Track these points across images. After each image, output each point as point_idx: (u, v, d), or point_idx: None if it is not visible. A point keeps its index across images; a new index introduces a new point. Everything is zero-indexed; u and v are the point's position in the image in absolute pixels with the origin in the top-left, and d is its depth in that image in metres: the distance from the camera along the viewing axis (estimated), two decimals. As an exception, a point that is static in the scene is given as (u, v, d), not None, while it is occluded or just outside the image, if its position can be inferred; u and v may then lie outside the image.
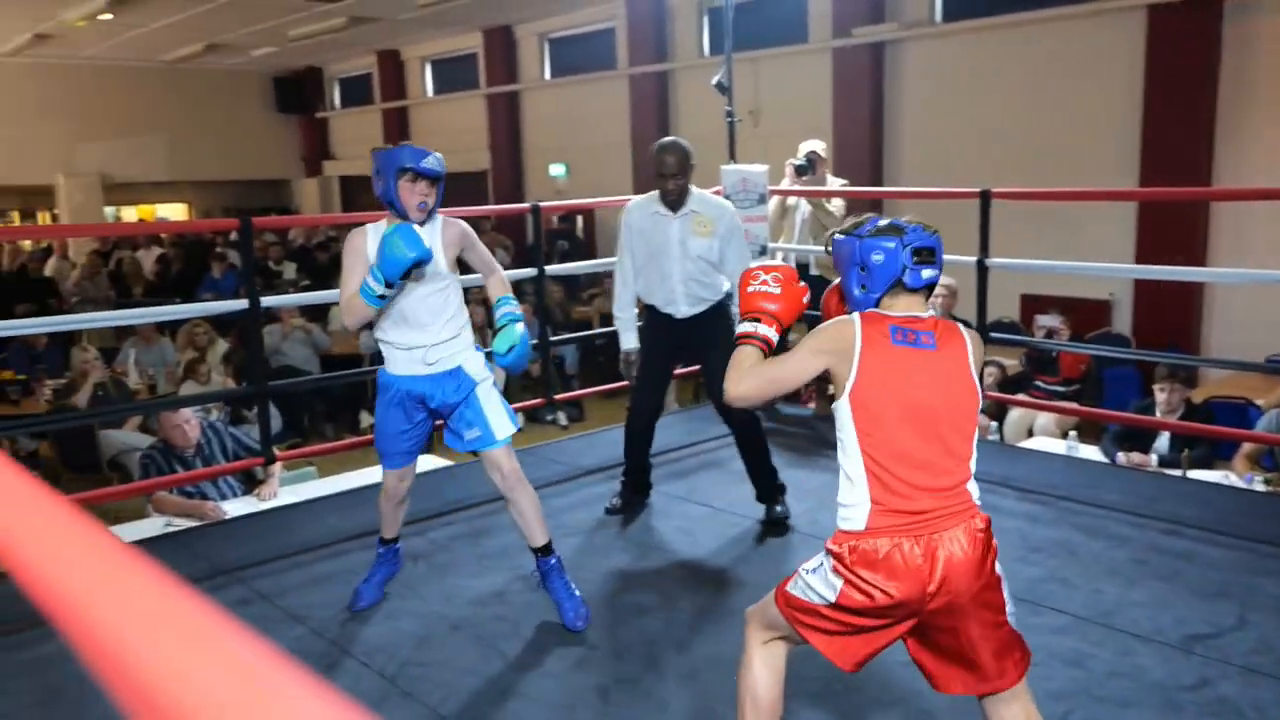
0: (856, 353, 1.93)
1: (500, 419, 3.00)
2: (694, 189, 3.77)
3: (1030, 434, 6.19)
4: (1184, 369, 5.30)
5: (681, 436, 4.97)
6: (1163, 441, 5.09)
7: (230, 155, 17.63)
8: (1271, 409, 5.08)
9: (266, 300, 4.30)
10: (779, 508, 3.84)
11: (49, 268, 12.38)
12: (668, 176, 3.69)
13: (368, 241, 2.89)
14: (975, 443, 1.99)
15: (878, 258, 2.01)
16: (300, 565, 3.53)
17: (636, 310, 3.97)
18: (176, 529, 4.02)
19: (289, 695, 0.39)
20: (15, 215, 17.90)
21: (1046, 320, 6.69)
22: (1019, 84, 8.83)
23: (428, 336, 2.94)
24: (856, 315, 2.00)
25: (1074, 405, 6.16)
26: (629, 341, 3.96)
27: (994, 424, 6.05)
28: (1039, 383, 6.71)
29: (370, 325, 2.96)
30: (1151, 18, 7.82)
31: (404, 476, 3.13)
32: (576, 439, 5.53)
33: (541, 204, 5.05)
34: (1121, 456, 5.00)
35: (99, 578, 0.49)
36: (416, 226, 2.77)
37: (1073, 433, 5.14)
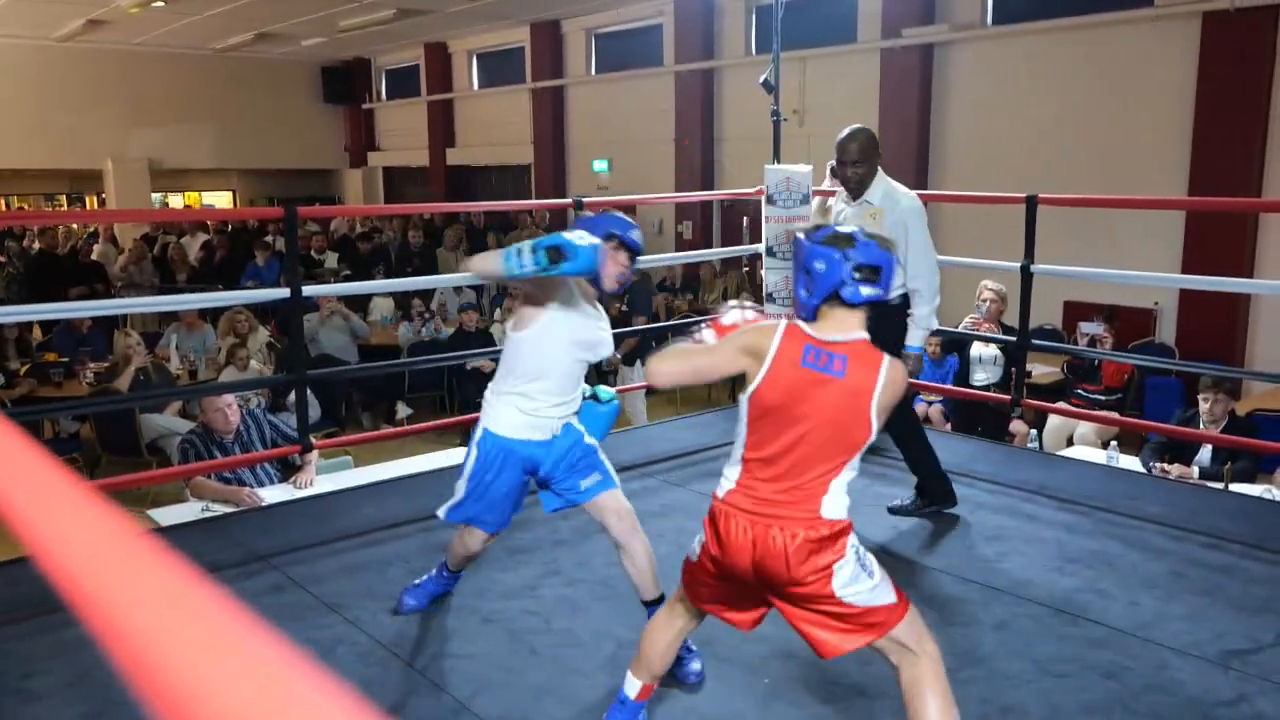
0: (767, 362, 2.06)
1: (610, 467, 2.87)
2: (885, 180, 3.72)
3: (1070, 443, 6.11)
4: (1229, 381, 5.20)
5: (716, 436, 4.96)
6: (1204, 454, 5.00)
7: (277, 144, 17.84)
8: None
9: (308, 289, 4.35)
10: (911, 500, 3.86)
11: (96, 252, 12.61)
12: (846, 164, 3.67)
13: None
14: (849, 465, 2.08)
15: (820, 265, 2.07)
16: (335, 553, 3.57)
17: None
18: (214, 514, 4.08)
19: (307, 694, 0.40)
20: (63, 199, 18.26)
21: (1090, 328, 6.59)
22: (1069, 89, 8.70)
23: (561, 409, 2.78)
24: (781, 325, 2.11)
25: (1115, 415, 6.06)
26: None
27: (1033, 431, 5.98)
28: (1080, 391, 6.62)
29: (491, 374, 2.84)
30: (1205, 25, 7.67)
31: (490, 539, 2.99)
32: (612, 436, 5.52)
33: (584, 198, 5.06)
34: (1160, 468, 4.93)
35: (121, 568, 0.49)
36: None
37: (1113, 442, 5.07)
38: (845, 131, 3.72)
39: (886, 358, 2.08)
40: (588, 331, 2.75)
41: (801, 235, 2.17)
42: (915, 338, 3.68)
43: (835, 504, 2.07)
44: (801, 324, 2.10)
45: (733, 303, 2.30)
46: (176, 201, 18.65)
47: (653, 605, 2.79)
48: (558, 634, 2.95)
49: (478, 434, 2.83)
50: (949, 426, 6.21)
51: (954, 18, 9.50)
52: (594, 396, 2.92)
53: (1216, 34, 7.60)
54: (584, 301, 2.76)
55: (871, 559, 2.11)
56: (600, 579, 3.34)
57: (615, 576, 3.35)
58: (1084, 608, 3.07)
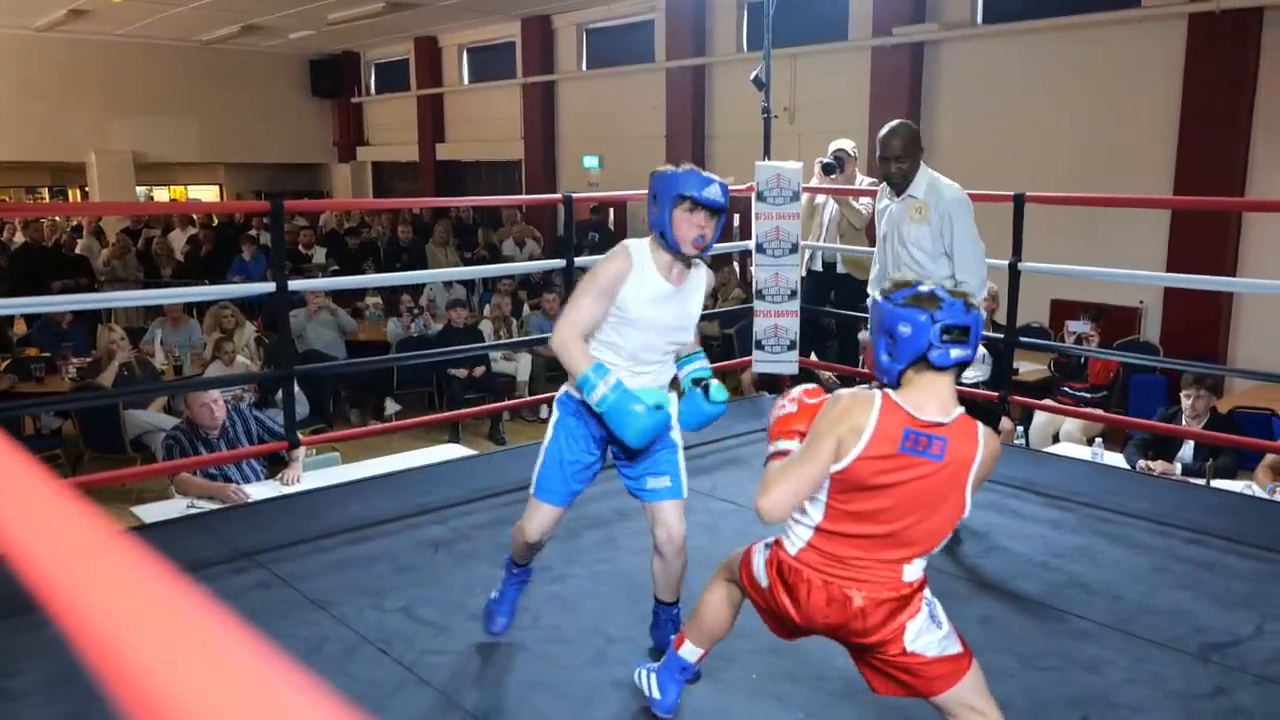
0: (864, 440, 1.93)
1: (684, 474, 2.73)
2: (928, 173, 3.68)
3: (1056, 439, 6.15)
4: (1211, 378, 5.24)
5: (706, 433, 4.96)
6: (1187, 450, 5.04)
7: (264, 138, 17.74)
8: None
9: (295, 284, 4.34)
10: None
11: (80, 246, 12.53)
12: (890, 160, 3.64)
13: (629, 270, 2.52)
14: (931, 544, 2.02)
15: (905, 329, 1.94)
16: (321, 550, 3.56)
17: None
18: (199, 510, 4.07)
19: (283, 693, 0.40)
20: (45, 192, 18.11)
21: (1077, 326, 6.62)
22: (1057, 88, 8.73)
23: (643, 380, 2.59)
24: (879, 398, 1.96)
25: (1100, 412, 6.10)
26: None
27: (1020, 428, 6.01)
28: (1066, 388, 6.66)
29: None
30: (1191, 26, 7.71)
31: (555, 520, 2.72)
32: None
33: (574, 195, 5.05)
34: (1144, 464, 4.97)
35: (95, 566, 0.49)
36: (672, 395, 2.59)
37: (1098, 439, 5.11)
38: (887, 127, 3.70)
39: (982, 429, 1.99)
40: (660, 311, 2.56)
41: (880, 297, 2.02)
42: None
43: (917, 567, 2.03)
44: (896, 397, 1.96)
45: (791, 394, 2.17)
46: (162, 195, 18.54)
47: (666, 606, 2.80)
48: (545, 630, 2.96)
49: (559, 395, 2.70)
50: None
51: (944, 16, 9.53)
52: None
53: (1202, 35, 7.64)
54: (660, 277, 2.56)
55: (940, 609, 2.06)
56: (590, 575, 3.35)
57: (604, 574, 3.36)
58: (1068, 602, 3.10)
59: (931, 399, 1.95)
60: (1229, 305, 7.88)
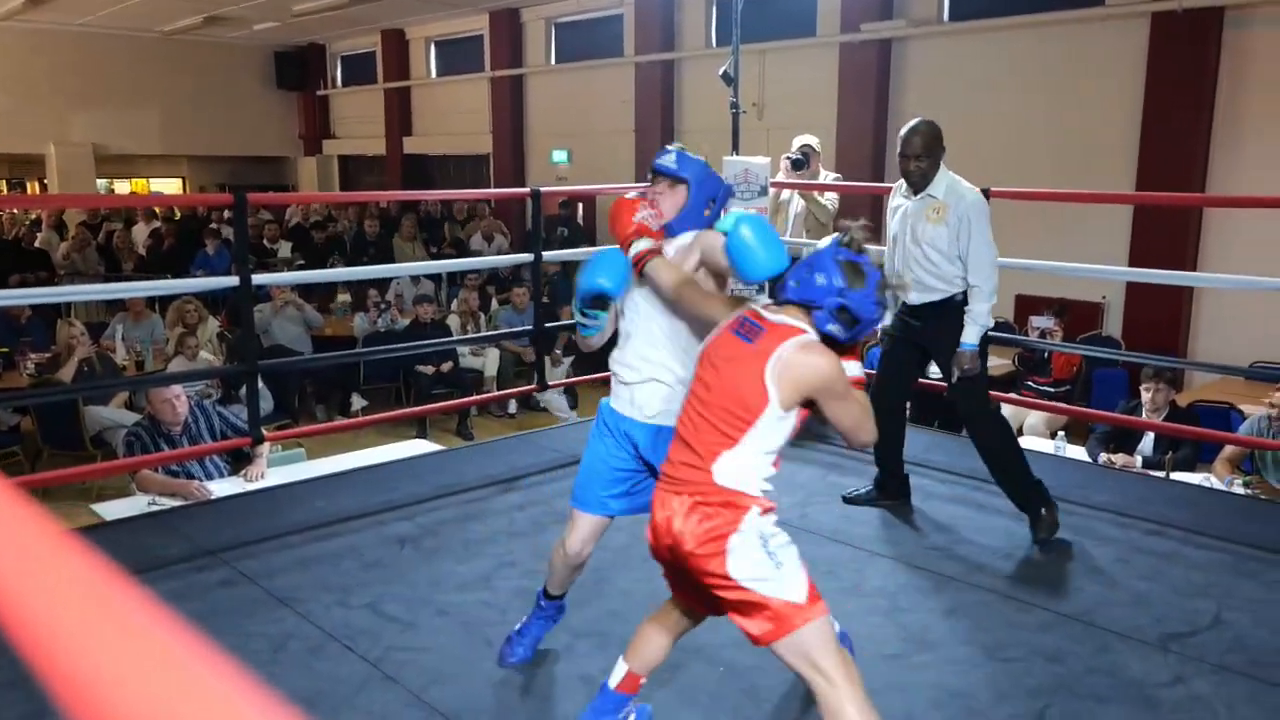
0: (718, 330, 2.14)
1: None
2: (948, 174, 3.61)
3: (1020, 432, 6.22)
4: (1170, 371, 5.32)
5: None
6: (1147, 443, 5.12)
7: (227, 130, 17.52)
8: (1254, 414, 5.11)
9: (259, 278, 4.29)
10: (1034, 533, 3.59)
11: (39, 239, 12.32)
12: (910, 158, 3.57)
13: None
14: (747, 438, 2.01)
15: (821, 279, 2.06)
16: (286, 547, 3.53)
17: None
18: (161, 508, 4.02)
19: (230, 697, 0.39)
20: (2, 185, 17.79)
21: (1041, 321, 6.71)
22: (1022, 85, 8.82)
23: (631, 373, 2.51)
24: (759, 303, 2.18)
25: (1063, 405, 6.18)
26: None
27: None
28: (1031, 382, 6.74)
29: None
30: (1154, 25, 7.82)
31: (594, 532, 2.61)
32: (569, 427, 5.54)
33: (542, 189, 5.03)
34: (1106, 457, 5.04)
35: (34, 566, 0.48)
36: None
37: (1061, 432, 5.17)
38: (908, 125, 3.63)
39: (805, 336, 2.03)
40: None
41: (842, 240, 2.10)
42: (971, 334, 3.58)
43: (731, 473, 2.01)
44: (767, 304, 2.13)
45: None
46: (123, 188, 18.26)
47: None
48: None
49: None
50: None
51: (911, 13, 9.59)
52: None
53: (1165, 33, 7.74)
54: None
55: (785, 553, 1.99)
56: (555, 570, 3.33)
57: (570, 567, 3.35)
58: (1031, 594, 3.14)
59: (783, 314, 2.08)
60: (1189, 300, 8.00)
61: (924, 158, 3.56)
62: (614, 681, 2.28)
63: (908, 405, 3.89)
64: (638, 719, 2.38)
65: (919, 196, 3.60)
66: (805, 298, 2.06)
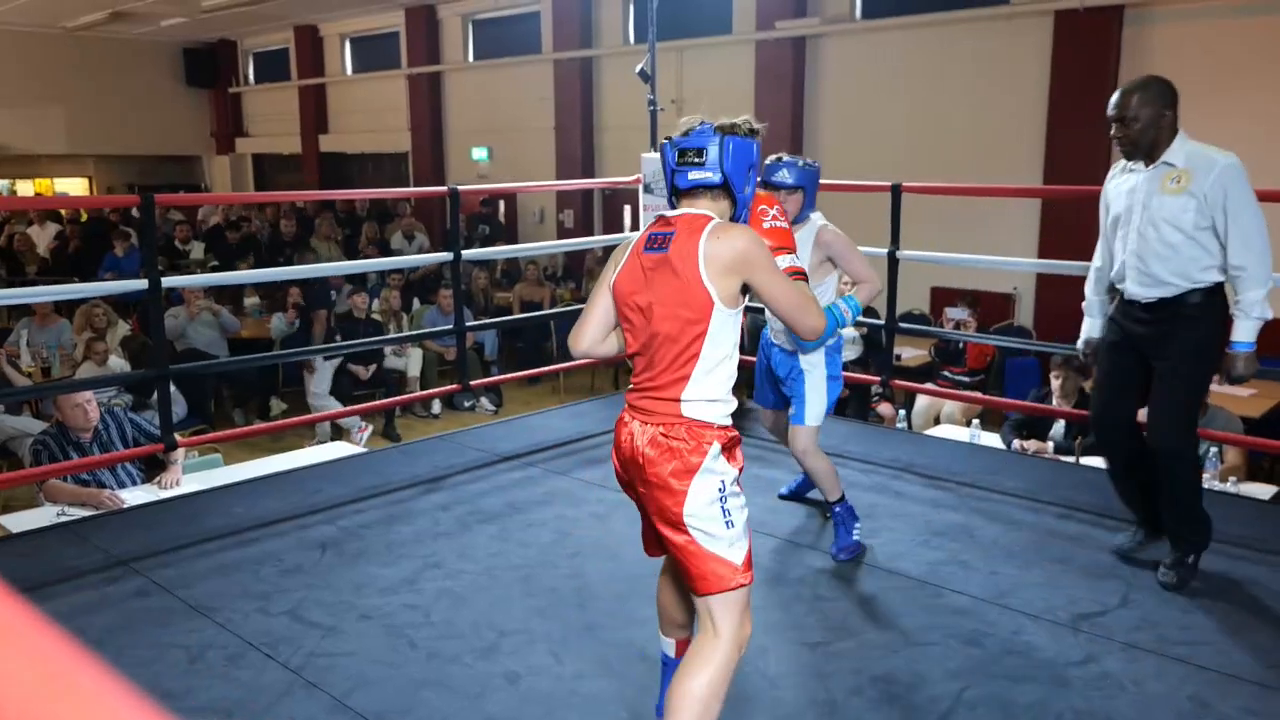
0: (627, 253, 2.16)
1: (814, 408, 3.40)
2: (1184, 139, 2.96)
3: (937, 422, 6.37)
4: (1078, 359, 5.49)
5: (598, 424, 4.99)
6: (1058, 429, 5.29)
7: (136, 129, 17.00)
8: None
9: (168, 281, 4.18)
10: (1167, 572, 3.13)
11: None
12: (1126, 121, 2.96)
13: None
14: (705, 352, 2.02)
15: (662, 159, 2.16)
16: (203, 555, 3.45)
17: (1106, 295, 3.36)
18: (70, 518, 3.89)
19: (96, 700, 0.38)
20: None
21: (955, 313, 6.88)
22: (933, 82, 9.03)
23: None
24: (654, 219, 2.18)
25: (978, 394, 6.35)
26: (1088, 329, 3.44)
27: (902, 412, 6.21)
28: (946, 372, 6.91)
29: None
30: (1057, 23, 8.08)
31: (768, 419, 3.77)
32: (495, 425, 5.51)
33: (460, 187, 4.99)
34: (1019, 443, 5.19)
35: None
36: None
37: (975, 420, 5.31)
38: (1123, 87, 3.02)
39: (714, 221, 2.04)
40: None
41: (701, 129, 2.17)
42: (1245, 330, 2.93)
43: (698, 400, 2.03)
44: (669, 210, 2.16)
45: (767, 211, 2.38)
46: (26, 189, 17.58)
47: (835, 503, 3.46)
48: (437, 626, 2.93)
49: None
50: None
51: (825, 11, 9.74)
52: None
53: (1067, 31, 8.01)
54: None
55: (739, 515, 2.04)
56: (483, 569, 3.32)
57: (498, 567, 3.34)
58: (947, 579, 3.22)
59: (682, 209, 2.12)
60: (1096, 290, 8.27)
61: (1140, 120, 2.93)
62: (671, 651, 2.36)
63: (1139, 428, 3.19)
64: None
65: (1153, 165, 2.98)
66: (703, 182, 2.09)
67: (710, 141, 2.07)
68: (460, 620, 2.96)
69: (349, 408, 6.89)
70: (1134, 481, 3.25)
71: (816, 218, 3.44)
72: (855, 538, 3.42)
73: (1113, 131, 3.01)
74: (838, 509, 3.46)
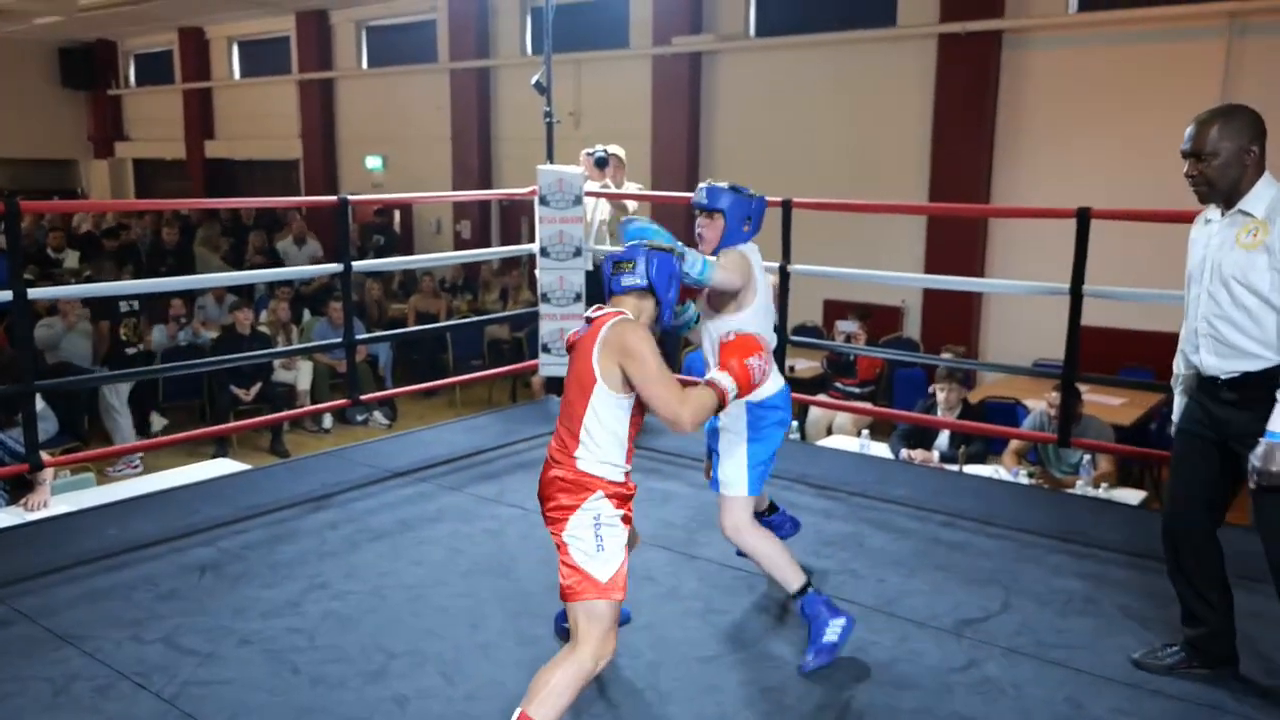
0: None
1: (728, 473, 2.88)
2: (1270, 182, 2.45)
3: (830, 432, 6.50)
4: (962, 371, 5.67)
5: (495, 438, 4.93)
6: (944, 439, 5.45)
7: (7, 131, 16.17)
8: (1036, 408, 5.52)
9: (35, 292, 3.97)
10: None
11: None
12: (1200, 156, 2.45)
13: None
14: (587, 423, 2.32)
15: (602, 273, 2.57)
16: (72, 580, 3.27)
17: (1182, 369, 2.72)
18: (-73, 543, 3.64)
19: None
20: None
21: (846, 325, 7.03)
22: (824, 100, 9.25)
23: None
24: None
25: (868, 405, 6.50)
26: (1178, 409, 2.74)
27: (795, 423, 6.31)
28: (838, 384, 7.05)
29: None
30: (941, 46, 8.37)
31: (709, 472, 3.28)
32: (387, 440, 5.39)
33: (352, 197, 4.88)
34: (906, 453, 5.33)
35: None
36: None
37: (865, 431, 5.43)
38: (1198, 117, 2.49)
39: (623, 316, 2.38)
40: None
41: (630, 234, 2.61)
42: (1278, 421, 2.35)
43: (589, 459, 2.33)
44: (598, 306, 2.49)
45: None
46: (-117, 193, 16.56)
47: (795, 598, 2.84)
48: (322, 650, 2.83)
49: None
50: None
51: (720, 28, 9.89)
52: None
53: (950, 54, 8.30)
54: None
55: (611, 541, 2.30)
56: (371, 589, 3.24)
57: (387, 586, 3.26)
58: (838, 588, 3.27)
59: (609, 306, 2.46)
60: (979, 304, 8.59)
61: (1221, 156, 2.42)
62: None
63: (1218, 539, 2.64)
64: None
65: (1229, 214, 2.48)
66: (633, 286, 2.46)
67: (640, 256, 2.48)
68: (347, 643, 2.87)
69: (232, 424, 6.65)
70: (1191, 579, 2.66)
71: (748, 249, 2.94)
72: (831, 639, 2.73)
73: (1185, 170, 2.50)
74: (802, 604, 2.79)
